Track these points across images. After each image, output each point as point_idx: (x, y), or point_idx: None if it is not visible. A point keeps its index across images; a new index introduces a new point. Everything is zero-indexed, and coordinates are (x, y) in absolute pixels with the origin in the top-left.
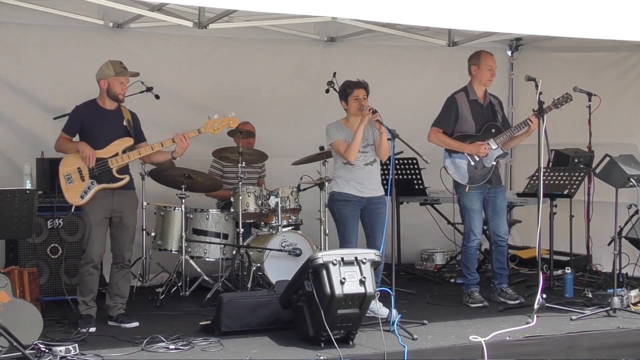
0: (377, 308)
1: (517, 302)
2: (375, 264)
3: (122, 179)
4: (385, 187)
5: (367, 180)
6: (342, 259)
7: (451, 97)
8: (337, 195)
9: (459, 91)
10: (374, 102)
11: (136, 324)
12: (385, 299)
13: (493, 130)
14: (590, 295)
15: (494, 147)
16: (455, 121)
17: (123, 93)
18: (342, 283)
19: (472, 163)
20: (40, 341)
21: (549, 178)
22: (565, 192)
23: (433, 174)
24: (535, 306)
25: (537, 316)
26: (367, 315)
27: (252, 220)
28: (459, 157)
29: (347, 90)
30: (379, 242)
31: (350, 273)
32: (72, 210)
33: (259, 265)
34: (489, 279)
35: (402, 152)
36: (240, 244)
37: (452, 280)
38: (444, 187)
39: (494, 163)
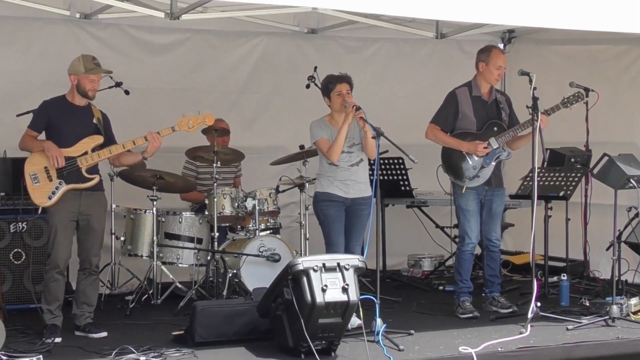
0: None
1: (510, 311)
2: (358, 271)
3: (92, 179)
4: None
5: (351, 181)
6: (324, 265)
7: (452, 92)
8: (320, 196)
9: (461, 86)
10: (358, 97)
11: (104, 334)
12: (369, 308)
13: (495, 129)
14: (588, 304)
15: (494, 147)
16: (455, 118)
17: (94, 90)
18: (323, 290)
19: (471, 163)
20: (3, 352)
21: (544, 179)
22: (561, 193)
23: (420, 174)
24: (529, 315)
25: (531, 326)
26: None
27: (227, 224)
28: (456, 156)
29: (329, 86)
30: (352, 245)
31: (332, 280)
32: (39, 212)
33: (235, 271)
34: (480, 287)
35: (387, 151)
36: (215, 249)
37: (441, 287)
38: (440, 186)
39: (494, 164)
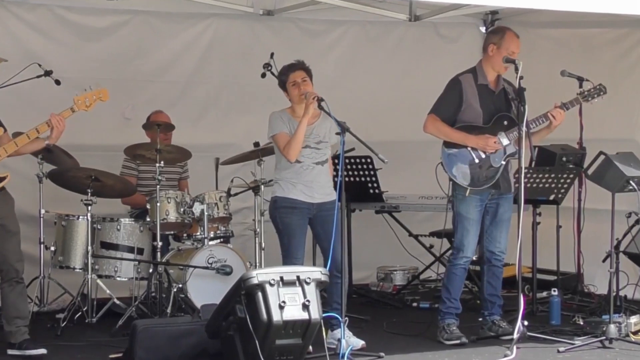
0: (346, 337)
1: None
2: (321, 285)
3: (4, 177)
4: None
5: (316, 183)
6: (282, 278)
7: (455, 78)
8: (281, 201)
9: (465, 72)
10: (320, 87)
11: (43, 350)
12: (334, 327)
13: (505, 123)
14: (582, 323)
15: (505, 143)
16: (459, 108)
17: None
18: (281, 307)
19: (477, 161)
20: None
21: (532, 180)
22: (552, 197)
23: (391, 175)
24: (515, 335)
25: (517, 347)
26: (330, 346)
27: (172, 232)
28: (460, 152)
29: (282, 78)
30: (336, 253)
31: (291, 295)
32: None
33: (180, 286)
34: (467, 306)
35: (353, 149)
36: (158, 260)
37: (415, 304)
38: (440, 187)
39: (504, 163)
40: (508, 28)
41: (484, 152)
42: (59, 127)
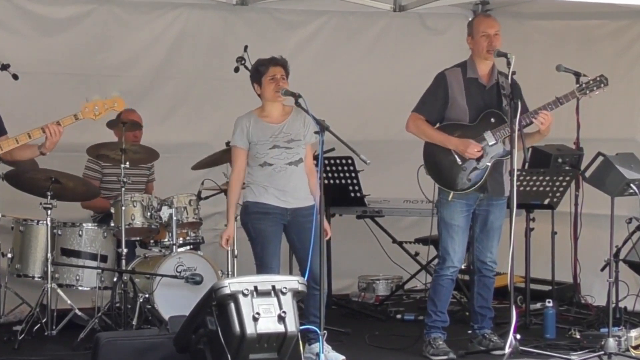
0: (324, 352)
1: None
2: (298, 295)
3: None
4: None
5: (290, 186)
6: (256, 288)
7: (441, 73)
8: (252, 207)
9: (454, 66)
10: (297, 83)
11: None
12: (312, 340)
13: (493, 120)
14: (579, 336)
15: (491, 143)
16: (444, 106)
17: None
18: (255, 319)
19: (460, 162)
20: None
21: (525, 183)
22: (546, 201)
23: (374, 177)
24: (507, 350)
25: None
26: None
27: (138, 238)
28: (442, 153)
29: (259, 70)
30: (314, 264)
31: (266, 306)
32: None
33: (147, 296)
34: (455, 318)
35: (333, 149)
36: (123, 268)
37: (399, 315)
38: (422, 192)
39: (489, 164)
40: (480, 14)
41: (466, 156)
42: (53, 138)
